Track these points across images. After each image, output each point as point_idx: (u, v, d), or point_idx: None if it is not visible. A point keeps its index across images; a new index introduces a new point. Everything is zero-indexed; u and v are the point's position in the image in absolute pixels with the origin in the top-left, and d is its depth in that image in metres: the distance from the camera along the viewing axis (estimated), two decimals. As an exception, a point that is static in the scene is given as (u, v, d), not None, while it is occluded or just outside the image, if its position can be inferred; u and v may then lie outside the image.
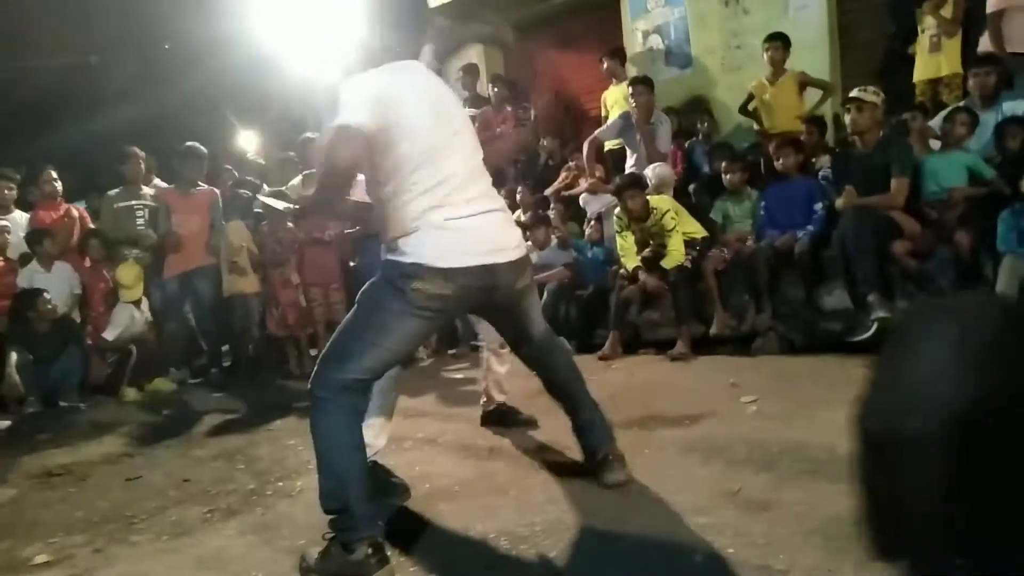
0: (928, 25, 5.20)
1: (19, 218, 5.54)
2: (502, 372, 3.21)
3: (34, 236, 5.34)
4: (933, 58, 5.21)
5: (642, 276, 4.56)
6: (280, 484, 2.85)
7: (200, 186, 5.63)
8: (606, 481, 2.35)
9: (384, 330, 1.99)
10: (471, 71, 7.56)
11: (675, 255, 4.49)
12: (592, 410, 2.48)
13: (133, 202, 5.58)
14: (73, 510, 2.83)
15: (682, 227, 4.60)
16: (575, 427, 2.49)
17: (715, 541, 1.90)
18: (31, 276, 5.24)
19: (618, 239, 4.76)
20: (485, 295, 2.12)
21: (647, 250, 4.67)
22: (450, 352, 5.43)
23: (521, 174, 6.86)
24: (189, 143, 5.62)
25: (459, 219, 2.03)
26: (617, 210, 4.80)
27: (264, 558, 2.17)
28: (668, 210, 4.57)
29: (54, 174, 5.68)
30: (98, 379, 5.23)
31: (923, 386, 0.84)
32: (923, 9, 5.19)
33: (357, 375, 1.97)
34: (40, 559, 2.37)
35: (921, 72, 5.30)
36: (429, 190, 2.02)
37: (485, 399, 3.28)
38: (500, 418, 3.25)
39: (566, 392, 2.49)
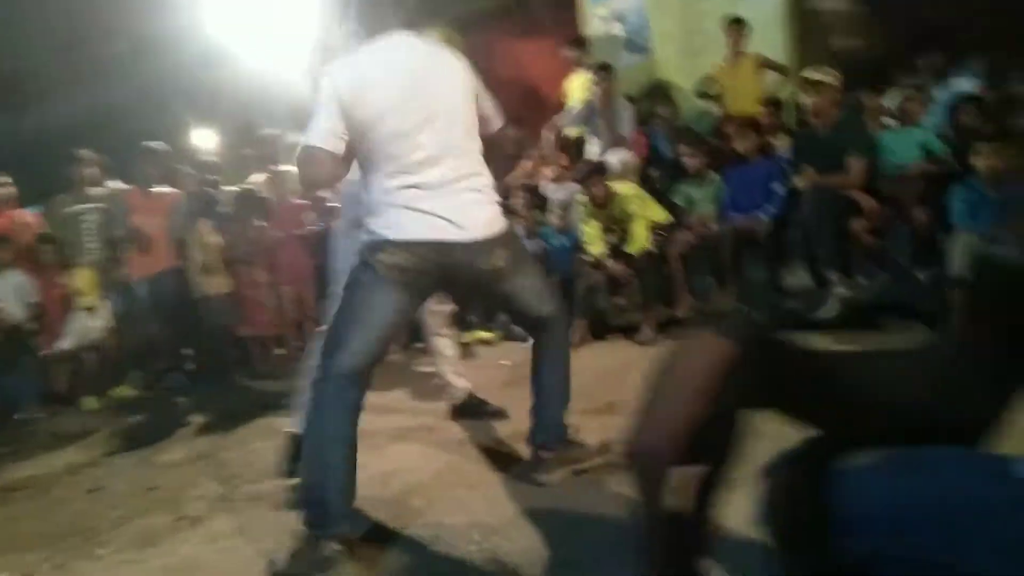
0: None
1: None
2: (451, 355, 3.29)
3: None
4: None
5: (607, 262, 4.57)
6: (248, 488, 2.81)
7: (160, 186, 5.47)
8: (536, 478, 2.35)
9: (363, 306, 2.07)
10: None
11: (638, 241, 4.51)
12: (557, 411, 2.42)
13: (80, 207, 5.44)
14: (33, 525, 2.76)
15: (645, 212, 4.62)
16: (533, 417, 2.44)
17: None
18: None
19: (583, 226, 4.76)
20: (447, 271, 2.14)
21: (611, 235, 4.68)
22: (417, 346, 5.39)
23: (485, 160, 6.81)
24: (147, 142, 5.48)
25: (423, 197, 2.08)
26: (582, 197, 4.81)
27: (235, 564, 2.13)
28: (630, 195, 4.58)
29: (2, 179, 5.50)
30: (58, 388, 5.09)
31: None
32: None
33: (349, 361, 2.03)
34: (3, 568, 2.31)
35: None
36: (397, 171, 2.08)
37: (449, 388, 3.28)
38: (469, 410, 3.24)
39: (542, 383, 2.42)
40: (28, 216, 5.69)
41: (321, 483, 1.95)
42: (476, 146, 2.23)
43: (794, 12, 6.04)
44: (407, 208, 2.08)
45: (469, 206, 2.15)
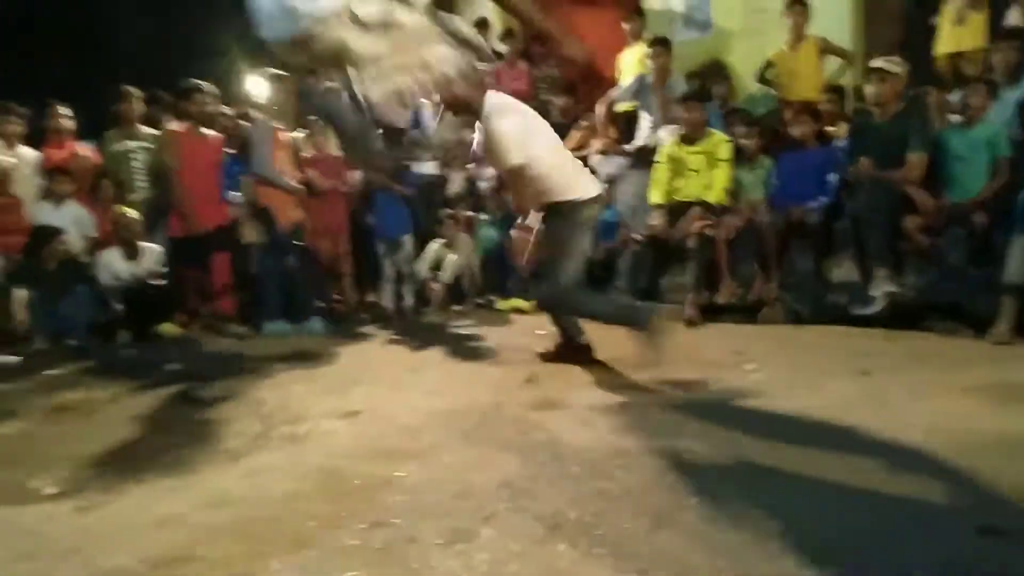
0: (953, -5, 5.07)
1: (27, 154, 5.48)
2: None
3: (49, 173, 5.30)
4: (956, 31, 5.09)
5: (657, 219, 4.54)
6: (285, 428, 2.89)
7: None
8: None
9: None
10: (482, 25, 7.42)
11: (719, 187, 4.48)
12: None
13: (130, 143, 5.51)
14: (82, 445, 2.86)
15: (727, 168, 4.56)
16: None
17: (713, 499, 1.92)
18: (42, 213, 5.22)
19: (655, 169, 4.72)
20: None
21: (681, 181, 4.65)
22: (455, 308, 5.45)
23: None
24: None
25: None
26: (667, 138, 4.78)
27: (269, 500, 2.20)
28: (725, 142, 4.53)
29: (62, 110, 5.61)
30: (108, 319, 5.21)
31: None
32: None
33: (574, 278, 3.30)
34: (49, 490, 2.41)
35: (943, 45, 5.18)
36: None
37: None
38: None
39: None
40: (87, 149, 5.80)
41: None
42: None
43: (865, -2, 5.86)
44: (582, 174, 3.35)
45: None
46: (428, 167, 6.01)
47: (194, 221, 5.16)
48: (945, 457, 2.09)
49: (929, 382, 2.82)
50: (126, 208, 5.23)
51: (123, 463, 2.61)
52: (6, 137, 5.31)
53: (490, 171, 6.44)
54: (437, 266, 5.57)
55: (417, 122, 6.04)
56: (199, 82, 5.41)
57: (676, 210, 4.63)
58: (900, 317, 3.71)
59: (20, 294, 4.99)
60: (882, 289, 3.72)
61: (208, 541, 1.93)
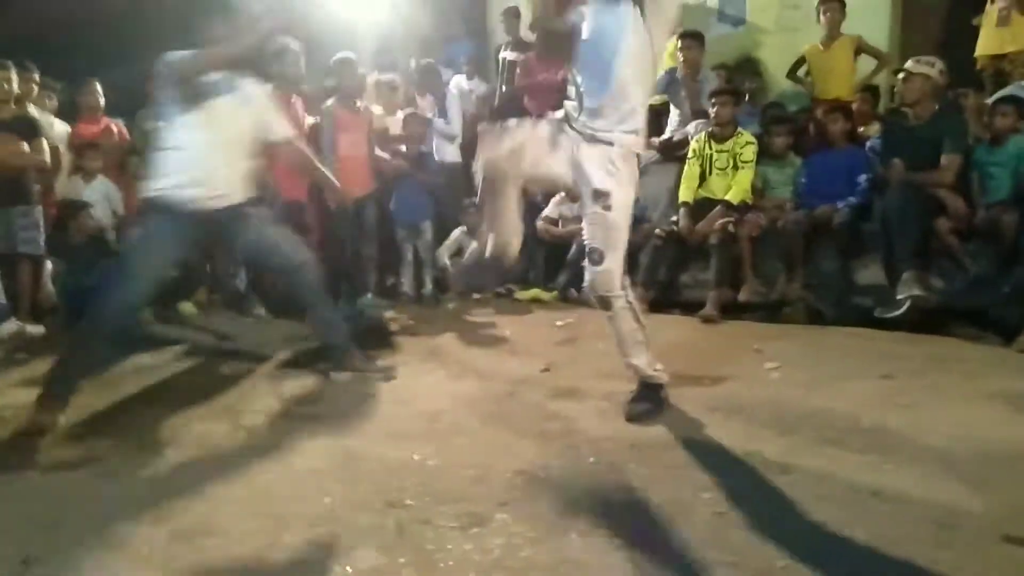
0: (996, -4, 4.96)
1: (59, 128, 5.55)
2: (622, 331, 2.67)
3: (80, 148, 5.37)
4: (999, 32, 4.98)
5: (682, 219, 4.54)
6: (305, 408, 2.91)
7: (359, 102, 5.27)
8: None
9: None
10: (513, 14, 7.39)
11: (742, 189, 4.46)
12: None
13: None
14: (103, 416, 2.91)
15: (751, 169, 4.54)
16: None
17: (729, 497, 1.91)
18: (71, 187, 5.29)
19: (686, 165, 4.70)
20: None
21: (708, 181, 4.63)
22: (475, 297, 5.45)
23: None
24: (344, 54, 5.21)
25: None
26: (697, 133, 4.76)
27: (288, 478, 2.23)
28: (752, 143, 4.51)
29: (97, 86, 5.67)
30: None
31: None
32: None
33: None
34: (73, 459, 2.45)
35: (984, 46, 5.07)
36: None
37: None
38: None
39: None
40: (118, 126, 5.87)
41: None
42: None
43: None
44: None
45: None
46: (452, 154, 6.01)
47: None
48: (968, 464, 2.06)
49: (952, 388, 2.78)
50: None
51: (145, 435, 2.65)
52: (23, 96, 5.08)
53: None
54: (458, 253, 5.57)
55: (443, 110, 6.05)
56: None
57: (701, 207, 4.61)
58: (925, 321, 3.65)
59: (48, 266, 5.07)
60: (908, 292, 3.66)
61: (227, 514, 1.96)
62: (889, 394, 2.74)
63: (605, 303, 2.58)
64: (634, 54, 2.47)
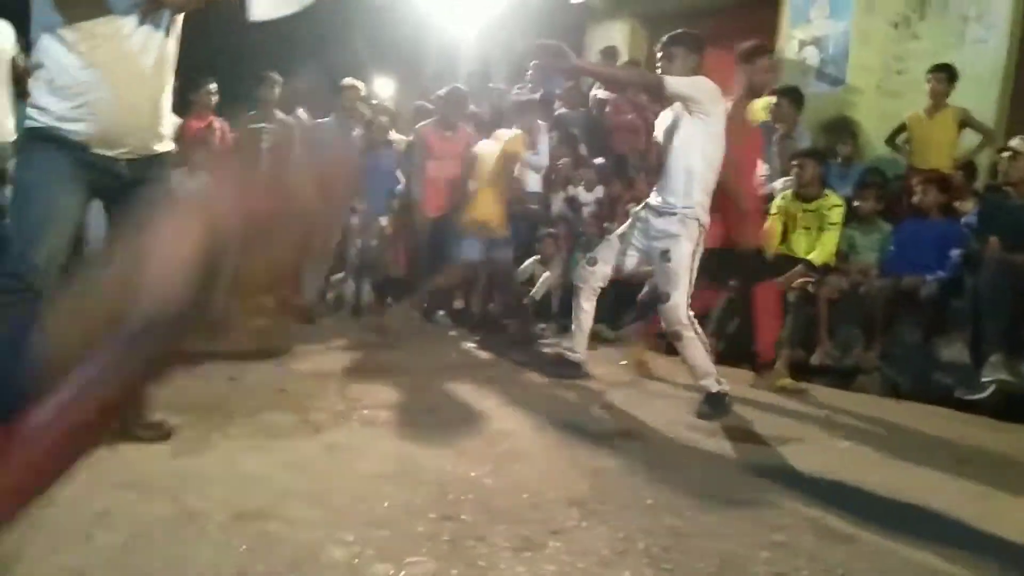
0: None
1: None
2: (690, 357, 3.33)
3: (189, 145, 5.68)
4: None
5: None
6: (366, 412, 2.98)
7: (458, 127, 5.42)
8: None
9: None
10: (610, 54, 7.48)
11: (827, 251, 4.38)
12: None
13: (263, 125, 5.84)
14: (181, 395, 3.04)
15: (837, 231, 4.46)
16: None
17: (787, 558, 1.86)
18: (175, 180, 5.59)
19: (769, 220, 4.65)
20: None
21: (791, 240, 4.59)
22: (541, 325, 5.48)
23: (640, 165, 6.77)
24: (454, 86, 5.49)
25: None
26: (782, 191, 4.73)
27: (344, 473, 2.29)
28: (839, 205, 4.44)
29: (213, 87, 6.00)
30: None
31: None
32: None
33: None
34: (143, 434, 2.56)
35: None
36: None
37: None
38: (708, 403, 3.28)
39: None
40: (218, 123, 6.18)
41: None
42: None
43: (1014, 72, 5.56)
44: None
45: None
46: (533, 183, 6.10)
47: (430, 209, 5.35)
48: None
49: (1032, 480, 2.64)
50: None
51: (214, 417, 2.75)
52: None
53: (592, 195, 6.49)
54: (530, 281, 5.62)
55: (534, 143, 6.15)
56: (351, 80, 5.67)
57: (780, 264, 4.53)
58: (1010, 408, 3.49)
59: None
60: (994, 375, 3.50)
61: (287, 503, 2.02)
62: (962, 480, 2.62)
63: (676, 335, 3.27)
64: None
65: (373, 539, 1.83)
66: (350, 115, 5.67)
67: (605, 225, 6.09)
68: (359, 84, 5.66)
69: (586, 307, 3.70)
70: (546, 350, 4.57)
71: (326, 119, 5.65)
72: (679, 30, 3.65)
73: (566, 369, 3.76)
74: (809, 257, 4.40)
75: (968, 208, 4.69)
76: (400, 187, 5.87)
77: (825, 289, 4.32)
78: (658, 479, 2.39)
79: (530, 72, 7.24)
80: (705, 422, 3.13)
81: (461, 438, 2.72)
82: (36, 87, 2.23)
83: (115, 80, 2.23)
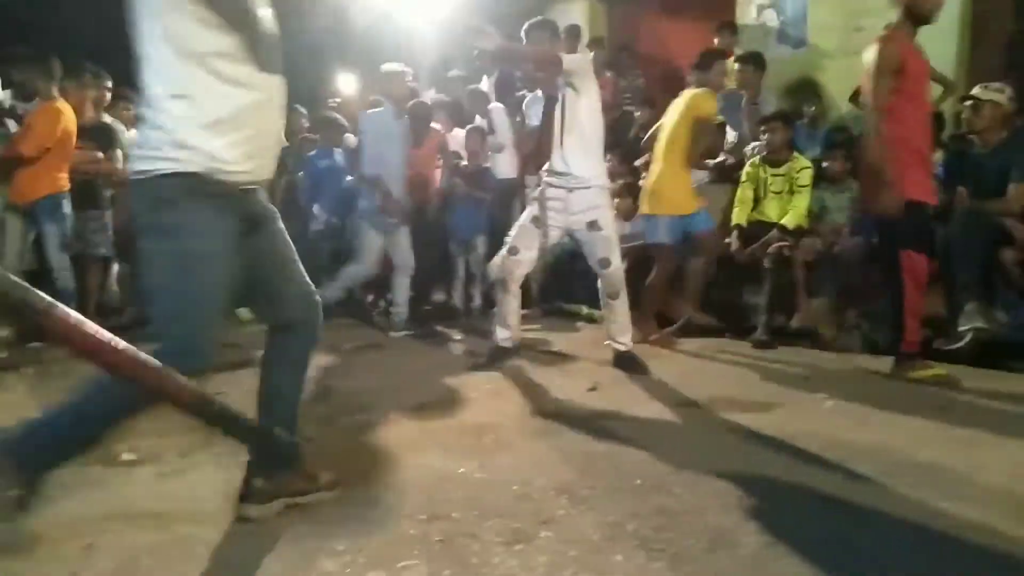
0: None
1: (133, 137, 5.76)
2: (617, 320, 3.69)
3: None
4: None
5: (735, 242, 4.53)
6: (351, 416, 2.97)
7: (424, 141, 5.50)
8: (242, 513, 2.00)
9: None
10: (574, 33, 7.44)
11: (798, 214, 4.43)
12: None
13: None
14: (163, 416, 3.01)
15: (808, 194, 4.51)
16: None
17: (775, 527, 1.88)
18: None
19: (739, 189, 4.67)
20: None
21: (762, 205, 4.62)
22: (522, 312, 5.47)
23: (611, 143, 6.75)
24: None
25: None
26: (752, 157, 4.75)
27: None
28: (809, 168, 4.46)
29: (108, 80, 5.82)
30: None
31: None
32: None
33: None
34: (128, 456, 2.54)
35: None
36: None
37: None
38: (622, 363, 3.67)
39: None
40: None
41: None
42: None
43: (972, 20, 5.58)
44: None
45: None
46: (506, 170, 6.07)
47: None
48: (1027, 506, 1.98)
49: (1012, 425, 2.68)
50: None
51: (200, 436, 2.71)
52: (97, 102, 5.20)
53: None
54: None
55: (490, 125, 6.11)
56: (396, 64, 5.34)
57: (754, 230, 4.56)
58: (987, 355, 3.54)
59: (116, 269, 5.28)
60: (970, 324, 3.55)
61: (276, 516, 2.01)
62: (946, 429, 2.66)
63: (615, 294, 3.63)
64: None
65: (364, 546, 1.83)
66: (401, 102, 5.13)
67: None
68: (406, 68, 5.27)
69: (513, 295, 3.73)
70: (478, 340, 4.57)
71: (378, 109, 5.13)
72: (538, 18, 3.72)
73: (499, 357, 3.78)
74: (782, 221, 4.43)
75: (936, 159, 4.72)
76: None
77: (800, 252, 4.35)
78: (644, 459, 2.40)
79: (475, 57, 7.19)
80: (686, 398, 3.14)
81: (447, 434, 2.72)
82: (179, 124, 1.73)
83: (271, 105, 1.91)
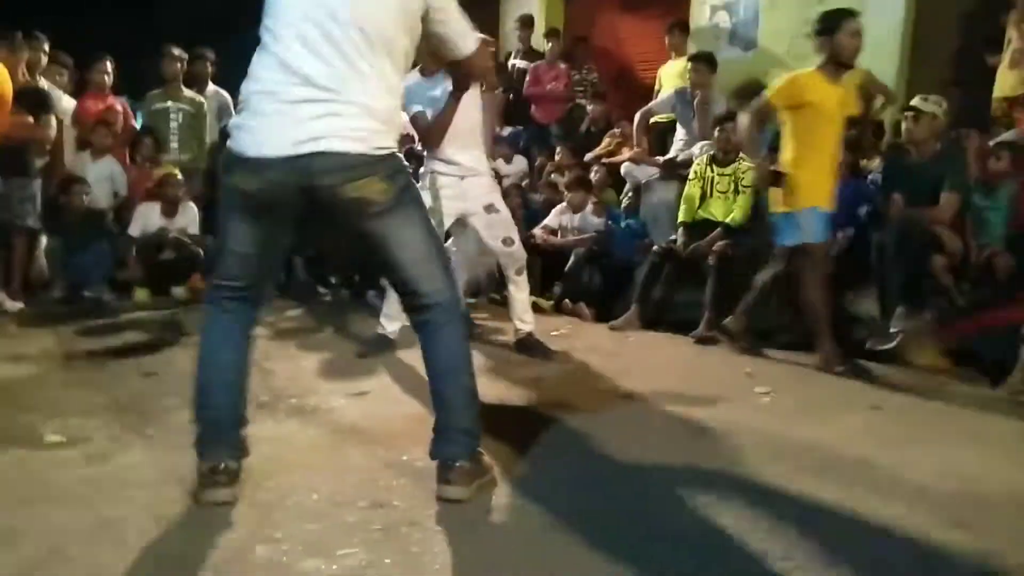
0: (1012, 37, 4.96)
1: (66, 103, 5.53)
2: (520, 298, 3.80)
3: (92, 127, 5.36)
4: (1011, 74, 4.98)
5: (680, 239, 4.60)
6: (292, 401, 2.91)
7: None
8: (442, 494, 1.98)
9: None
10: (527, 22, 7.42)
11: (740, 215, 4.51)
12: (460, 419, 2.04)
13: (169, 103, 5.58)
14: (92, 395, 2.90)
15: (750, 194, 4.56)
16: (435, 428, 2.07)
17: (714, 521, 1.92)
18: (77, 163, 5.29)
19: (687, 186, 4.72)
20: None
21: (708, 204, 4.67)
22: (469, 300, 5.45)
23: (563, 136, 6.79)
24: None
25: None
26: (700, 155, 4.80)
27: (273, 470, 2.22)
28: (751, 170, 4.54)
29: (109, 65, 5.65)
30: (127, 275, 5.25)
31: None
32: (1009, 19, 4.94)
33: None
34: (55, 438, 2.43)
35: (999, 88, 5.07)
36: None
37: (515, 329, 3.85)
38: (526, 347, 3.79)
39: (436, 388, 2.08)
40: (120, 105, 5.85)
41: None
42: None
43: (914, 37, 5.78)
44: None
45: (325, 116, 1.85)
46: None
47: None
48: (952, 504, 2.07)
49: (940, 425, 2.81)
50: (172, 167, 5.40)
51: (131, 418, 2.64)
52: (31, 66, 5.11)
53: (513, 167, 6.47)
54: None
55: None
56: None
57: (700, 228, 4.63)
58: (914, 355, 3.68)
59: (44, 242, 5.05)
60: (898, 326, 3.70)
61: (218, 503, 1.95)
62: (876, 427, 2.76)
63: (520, 271, 3.77)
64: None
65: (302, 534, 1.79)
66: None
67: (528, 196, 6.11)
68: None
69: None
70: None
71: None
72: None
73: (379, 345, 3.76)
74: (726, 220, 4.52)
75: (875, 166, 4.88)
76: None
77: (742, 251, 4.44)
78: (590, 450, 2.43)
79: None
80: (627, 391, 3.17)
81: (389, 422, 2.69)
82: (394, 116, 2.03)
83: None
